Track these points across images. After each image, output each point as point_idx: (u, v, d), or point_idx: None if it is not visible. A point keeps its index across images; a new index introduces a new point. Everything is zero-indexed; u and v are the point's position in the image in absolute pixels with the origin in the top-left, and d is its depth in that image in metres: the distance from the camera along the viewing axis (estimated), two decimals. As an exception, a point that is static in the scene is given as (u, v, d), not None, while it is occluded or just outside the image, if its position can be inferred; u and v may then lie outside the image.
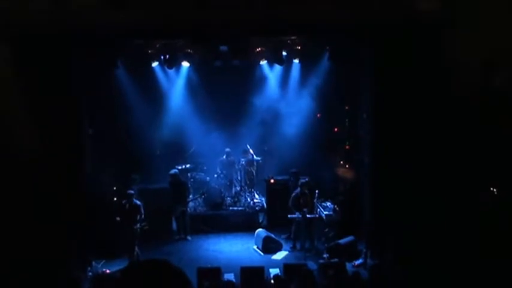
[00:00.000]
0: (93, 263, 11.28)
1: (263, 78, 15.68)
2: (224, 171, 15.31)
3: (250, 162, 15.42)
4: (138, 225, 11.48)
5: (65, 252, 10.21)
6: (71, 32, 9.64)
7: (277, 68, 15.01)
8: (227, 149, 15.62)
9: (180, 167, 14.62)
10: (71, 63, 10.73)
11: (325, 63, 14.11)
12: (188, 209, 13.86)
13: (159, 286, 2.70)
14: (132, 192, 11.83)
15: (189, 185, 14.44)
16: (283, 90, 15.81)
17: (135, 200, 11.69)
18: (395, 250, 10.34)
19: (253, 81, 15.71)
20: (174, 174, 13.72)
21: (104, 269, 11.14)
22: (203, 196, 14.44)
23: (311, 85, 15.24)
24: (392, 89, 10.74)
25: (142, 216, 11.60)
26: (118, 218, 11.53)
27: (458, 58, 8.98)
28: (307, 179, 12.88)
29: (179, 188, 13.58)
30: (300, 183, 12.58)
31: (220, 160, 15.59)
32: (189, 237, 13.57)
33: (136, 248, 11.43)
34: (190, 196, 14.10)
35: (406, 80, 10.44)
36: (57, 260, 9.87)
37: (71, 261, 10.36)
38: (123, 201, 11.78)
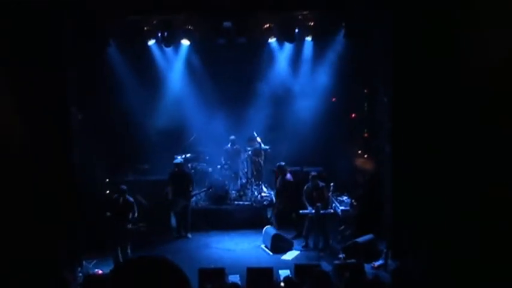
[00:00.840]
0: (84, 262, 11.28)
1: (272, 58, 15.56)
2: (229, 162, 15.26)
3: (258, 151, 15.37)
4: (130, 225, 11.44)
5: (54, 252, 10.22)
6: (64, 7, 9.65)
7: (288, 46, 14.84)
8: (232, 137, 15.59)
9: (179, 157, 14.47)
10: (63, 41, 10.73)
11: (341, 41, 13.91)
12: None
13: (156, 284, 2.70)
14: (125, 187, 11.76)
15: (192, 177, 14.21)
16: (294, 72, 15.71)
17: (127, 197, 11.65)
18: (420, 250, 10.28)
19: (261, 61, 15.63)
20: (180, 164, 13.63)
21: (96, 270, 11.13)
22: (210, 190, 14.30)
23: (325, 66, 15.10)
24: (415, 70, 10.64)
25: (135, 214, 11.57)
26: (108, 214, 11.49)
27: (476, 40, 8.94)
28: (319, 171, 12.84)
29: (182, 179, 13.44)
30: (310, 175, 12.53)
31: (225, 149, 15.56)
32: (189, 235, 13.51)
33: (128, 250, 11.42)
34: (195, 190, 13.95)
35: (430, 60, 10.34)
36: (45, 259, 9.88)
37: (60, 261, 10.34)
38: (115, 196, 11.74)
